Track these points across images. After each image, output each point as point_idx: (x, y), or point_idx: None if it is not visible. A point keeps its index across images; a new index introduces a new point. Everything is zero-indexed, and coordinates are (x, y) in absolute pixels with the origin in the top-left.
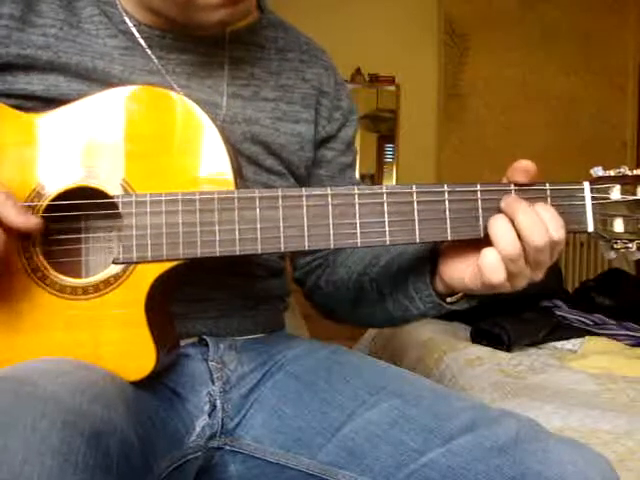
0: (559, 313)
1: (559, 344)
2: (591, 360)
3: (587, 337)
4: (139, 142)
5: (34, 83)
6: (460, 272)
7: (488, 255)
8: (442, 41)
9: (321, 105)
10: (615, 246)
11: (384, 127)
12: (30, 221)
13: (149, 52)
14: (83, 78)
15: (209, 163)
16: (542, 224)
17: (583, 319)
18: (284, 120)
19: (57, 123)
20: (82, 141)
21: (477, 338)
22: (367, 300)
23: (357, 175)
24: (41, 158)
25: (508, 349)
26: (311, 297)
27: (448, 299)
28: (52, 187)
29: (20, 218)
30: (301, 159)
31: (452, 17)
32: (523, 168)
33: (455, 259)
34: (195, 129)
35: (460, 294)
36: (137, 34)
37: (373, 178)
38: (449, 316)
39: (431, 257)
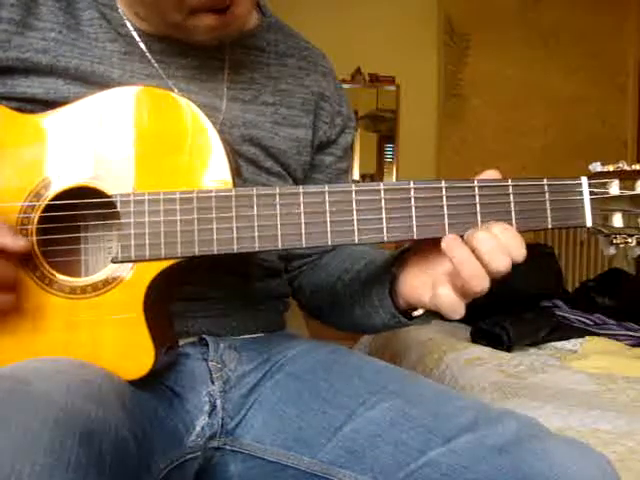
0: (559, 313)
1: (559, 344)
2: (591, 360)
3: (587, 337)
4: (138, 142)
5: (34, 86)
6: (418, 291)
7: (443, 294)
8: (442, 41)
9: (322, 109)
10: (615, 241)
11: (384, 127)
12: (18, 243)
13: (149, 56)
14: (82, 81)
15: (207, 162)
16: (504, 248)
17: (583, 319)
18: (283, 125)
19: (56, 124)
20: (80, 141)
21: (477, 338)
22: (340, 304)
23: (357, 177)
24: (40, 158)
25: (508, 349)
26: (298, 298)
27: (414, 313)
28: (51, 187)
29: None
30: (298, 163)
31: (452, 17)
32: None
33: (416, 274)
34: (193, 128)
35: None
36: (137, 38)
37: (373, 178)
38: None
39: (396, 267)
